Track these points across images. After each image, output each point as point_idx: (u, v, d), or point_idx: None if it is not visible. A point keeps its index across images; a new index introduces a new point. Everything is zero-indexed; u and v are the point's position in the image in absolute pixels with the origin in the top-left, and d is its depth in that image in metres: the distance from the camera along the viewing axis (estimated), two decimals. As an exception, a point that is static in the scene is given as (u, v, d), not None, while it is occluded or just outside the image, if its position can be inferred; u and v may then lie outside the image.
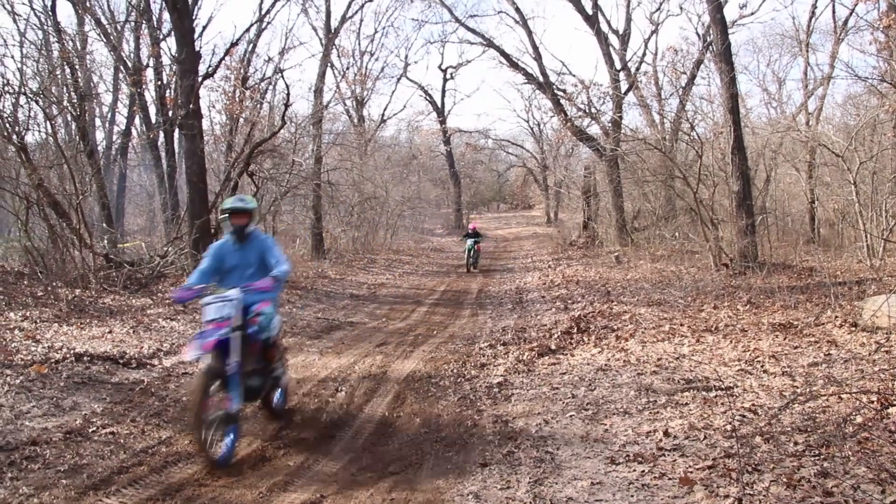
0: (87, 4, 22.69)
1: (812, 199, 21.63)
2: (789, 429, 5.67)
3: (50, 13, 21.61)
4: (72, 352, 8.82)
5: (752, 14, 27.45)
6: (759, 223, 17.66)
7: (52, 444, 6.03)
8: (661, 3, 29.90)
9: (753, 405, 6.39)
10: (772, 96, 34.74)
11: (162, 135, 22.43)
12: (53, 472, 5.45)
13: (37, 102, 15.92)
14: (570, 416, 6.75)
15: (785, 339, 8.99)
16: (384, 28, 53.08)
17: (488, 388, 8.07)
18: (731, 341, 9.12)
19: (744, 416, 6.11)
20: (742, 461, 5.00)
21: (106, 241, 16.96)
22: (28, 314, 10.93)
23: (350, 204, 29.75)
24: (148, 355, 9.54)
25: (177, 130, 20.46)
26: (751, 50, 56.16)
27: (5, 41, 28.08)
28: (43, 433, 6.31)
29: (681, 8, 48.82)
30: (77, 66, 19.60)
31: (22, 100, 15.99)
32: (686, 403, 6.70)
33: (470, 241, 24.48)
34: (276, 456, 6.02)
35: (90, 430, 6.49)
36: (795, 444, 5.33)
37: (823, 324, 9.61)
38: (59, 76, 18.34)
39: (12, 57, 32.36)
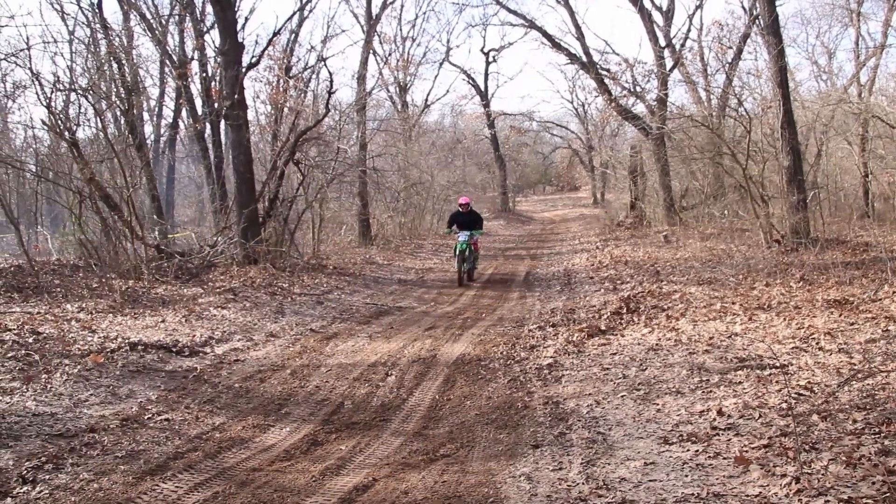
0: (133, 0, 22.98)
1: (865, 172, 21.09)
2: (847, 406, 5.55)
3: (97, 10, 21.94)
4: (126, 341, 8.99)
5: (801, -16, 26.72)
6: (811, 199, 17.29)
7: (110, 431, 6.16)
8: (705, -22, 29.32)
9: (809, 383, 6.26)
10: (822, 69, 33.93)
11: (208, 126, 22.65)
12: (112, 458, 5.56)
13: (87, 98, 16.26)
14: (622, 396, 6.69)
15: (840, 315, 8.79)
16: (425, 13, 53.08)
17: (538, 370, 8.03)
18: (784, 319, 8.94)
19: (799, 395, 5.99)
20: (799, 440, 4.91)
21: (157, 233, 17.21)
22: (84, 305, 11.16)
23: (396, 190, 29.79)
24: (200, 343, 9.68)
25: (223, 121, 20.61)
26: (799, 22, 55.03)
27: (55, 40, 28.51)
28: (101, 420, 6.45)
29: (726, -19, 47.91)
30: (124, 62, 19.84)
31: (72, 96, 16.34)
32: (740, 382, 6.59)
33: (463, 236, 16.31)
34: (328, 440, 6.07)
35: (146, 417, 6.62)
36: (854, 421, 5.21)
37: (881, 299, 9.36)
38: (108, 72, 18.62)
39: (62, 55, 33.02)
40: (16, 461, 5.38)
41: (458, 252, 16.39)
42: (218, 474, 5.29)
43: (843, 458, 4.56)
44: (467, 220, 16.85)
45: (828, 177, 22.98)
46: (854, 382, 6.05)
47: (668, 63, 26.33)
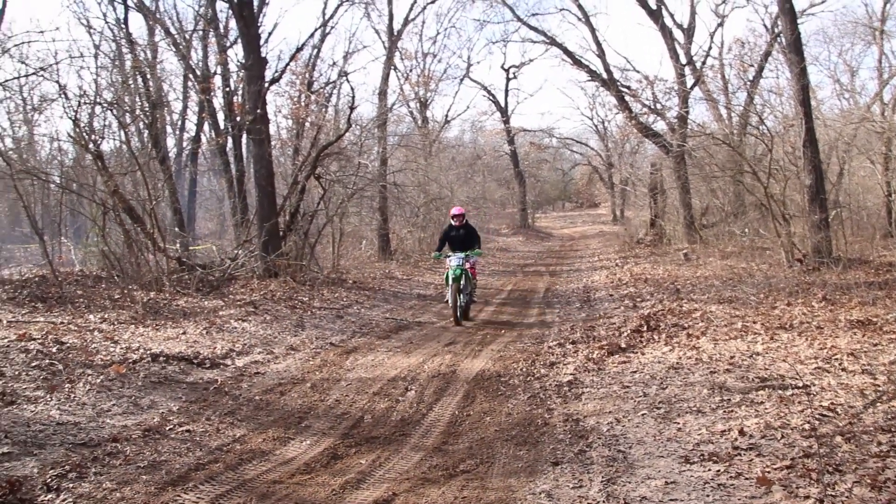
0: (157, 16, 23.27)
1: (889, 192, 20.95)
2: (871, 428, 5.50)
3: (122, 26, 22.26)
4: (148, 352, 9.06)
5: (823, 2, 26.62)
6: (833, 218, 17.17)
7: (132, 441, 6.21)
8: (726, -4, 29.26)
9: (832, 404, 6.22)
10: (844, 87, 33.74)
11: (230, 140, 22.80)
12: (134, 468, 5.61)
13: (111, 111, 16.47)
14: (642, 414, 6.66)
15: (864, 336, 8.72)
16: (446, 29, 53.05)
17: (558, 387, 8.02)
18: (806, 339, 8.88)
19: (822, 416, 5.94)
20: (822, 461, 4.88)
21: (178, 245, 17.35)
22: (106, 316, 11.25)
23: (416, 205, 29.84)
24: (221, 355, 9.74)
25: (245, 136, 20.81)
26: (821, 40, 54.39)
27: (81, 54, 28.95)
28: (123, 430, 6.51)
29: (747, -1, 47.75)
30: (148, 76, 20.12)
31: (98, 109, 16.54)
32: (761, 402, 6.55)
33: (456, 259, 13.00)
34: (348, 454, 6.08)
35: (167, 428, 6.66)
36: (879, 444, 5.17)
37: (905, 320, 9.29)
38: (132, 86, 18.87)
39: (88, 69, 33.40)
40: (40, 469, 5.43)
41: (450, 281, 12.79)
42: (239, 486, 5.32)
43: (868, 481, 4.52)
44: (462, 237, 13.60)
45: (850, 196, 22.82)
46: (879, 404, 6.00)
47: (689, 80, 26.32)
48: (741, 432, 5.75)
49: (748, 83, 26.22)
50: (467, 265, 13.03)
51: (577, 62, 28.13)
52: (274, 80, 20.66)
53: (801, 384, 6.83)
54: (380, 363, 9.71)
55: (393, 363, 9.65)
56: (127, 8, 22.51)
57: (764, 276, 14.53)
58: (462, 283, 12.86)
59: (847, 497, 4.36)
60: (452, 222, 13.77)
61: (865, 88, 37.15)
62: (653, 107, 26.98)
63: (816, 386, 6.85)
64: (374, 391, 8.15)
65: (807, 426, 5.64)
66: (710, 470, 5.12)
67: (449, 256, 13.14)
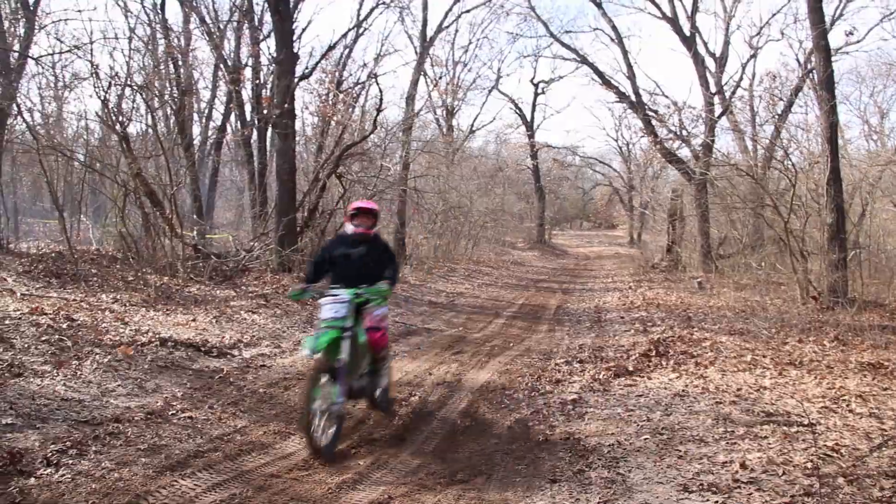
0: (194, 4, 23.42)
1: (910, 236, 20.78)
2: (875, 473, 5.45)
3: (159, 11, 22.39)
4: (157, 336, 9.11)
5: (858, 42, 26.31)
6: (852, 258, 17.04)
7: (134, 423, 6.25)
8: (761, 28, 29.14)
9: (837, 444, 6.16)
10: (872, 128, 33.63)
11: (255, 132, 22.91)
12: (134, 450, 5.64)
13: (140, 95, 16.53)
14: (644, 439, 6.63)
15: (874, 379, 8.65)
16: (479, 40, 52.89)
17: (562, 405, 7.99)
18: (815, 377, 8.81)
19: (826, 455, 5.89)
20: (822, 501, 4.83)
21: (195, 232, 17.44)
22: (118, 297, 11.33)
23: (434, 212, 29.87)
24: (229, 345, 9.78)
25: (270, 129, 20.91)
26: (853, 79, 54.21)
27: (116, 36, 29.11)
28: (126, 412, 6.54)
29: (782, 33, 47.35)
30: (180, 63, 20.22)
31: (127, 92, 16.65)
32: (765, 437, 6.50)
33: (334, 308, 6.26)
34: (348, 454, 6.08)
35: (170, 413, 6.69)
36: (882, 489, 5.12)
37: (916, 367, 9.21)
38: (163, 71, 18.98)
39: (122, 51, 33.62)
40: (42, 443, 5.47)
41: (313, 350, 6.05)
42: (236, 476, 5.33)
43: (867, 525, 4.48)
44: (362, 259, 6.85)
45: (870, 237, 22.62)
46: (885, 449, 5.95)
47: (717, 109, 26.24)
48: (742, 465, 5.70)
49: (776, 117, 26.07)
50: (367, 321, 6.69)
51: (607, 83, 28.12)
52: (304, 77, 20.81)
53: (806, 422, 6.77)
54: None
55: (399, 367, 9.63)
56: (164, -6, 22.67)
57: (777, 311, 14.44)
58: (341, 359, 6.12)
59: (845, 539, 4.32)
60: (348, 229, 7.06)
61: (894, 131, 36.92)
62: (679, 133, 26.87)
63: (822, 425, 6.79)
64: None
65: (809, 465, 5.59)
66: (708, 500, 5.09)
67: (325, 296, 6.49)
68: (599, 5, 27.63)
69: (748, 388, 8.35)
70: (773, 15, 65.21)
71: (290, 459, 5.82)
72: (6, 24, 17.12)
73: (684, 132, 26.75)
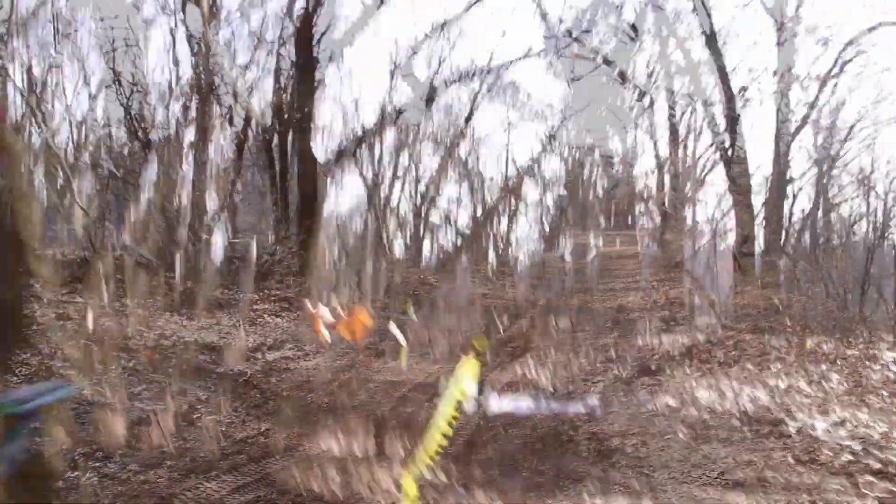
0: (213, 10, 23.48)
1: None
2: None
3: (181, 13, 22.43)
4: (181, 340, 9.17)
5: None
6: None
7: (159, 427, 6.27)
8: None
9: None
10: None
11: (276, 137, 22.95)
12: (158, 453, 5.67)
13: (161, 102, 16.63)
14: (668, 438, 6.58)
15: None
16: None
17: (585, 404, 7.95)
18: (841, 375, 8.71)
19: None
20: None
21: (218, 237, 17.51)
22: (143, 302, 11.40)
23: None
24: (252, 349, 9.82)
25: (291, 133, 20.95)
26: None
27: (137, 43, 29.25)
28: (151, 415, 6.58)
29: None
30: (201, 68, 20.27)
31: (149, 99, 16.77)
32: (790, 435, 6.44)
33: None
34: (369, 455, 6.08)
35: (195, 417, 6.73)
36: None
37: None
38: (184, 78, 19.06)
39: (144, 58, 33.73)
40: (69, 446, 5.52)
41: None
42: (261, 479, 5.35)
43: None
44: None
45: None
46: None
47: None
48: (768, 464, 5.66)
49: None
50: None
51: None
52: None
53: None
54: (408, 367, 9.69)
55: (421, 368, 9.63)
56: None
57: (802, 309, 14.28)
58: None
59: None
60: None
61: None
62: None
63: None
64: (400, 395, 8.15)
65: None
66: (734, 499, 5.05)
67: None
68: None
69: (773, 388, 8.25)
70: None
71: (314, 462, 5.82)
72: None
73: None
